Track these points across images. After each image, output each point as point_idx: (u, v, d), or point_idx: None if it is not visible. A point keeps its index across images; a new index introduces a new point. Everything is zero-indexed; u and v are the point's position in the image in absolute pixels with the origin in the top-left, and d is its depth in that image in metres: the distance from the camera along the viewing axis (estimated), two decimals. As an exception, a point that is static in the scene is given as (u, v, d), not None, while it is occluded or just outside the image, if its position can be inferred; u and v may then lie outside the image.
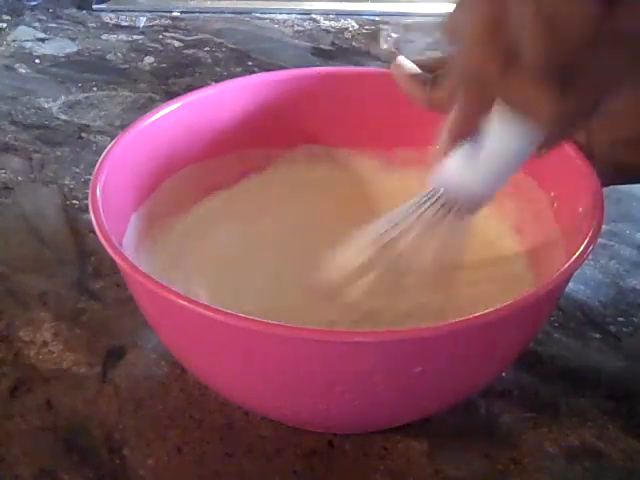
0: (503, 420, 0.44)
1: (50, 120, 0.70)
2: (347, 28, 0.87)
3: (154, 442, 0.43)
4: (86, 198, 0.41)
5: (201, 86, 0.52)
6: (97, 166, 0.43)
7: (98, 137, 0.67)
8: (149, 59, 0.81)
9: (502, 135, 0.36)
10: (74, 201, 0.60)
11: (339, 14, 0.89)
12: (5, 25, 0.87)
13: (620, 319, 0.50)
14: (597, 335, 0.49)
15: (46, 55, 0.81)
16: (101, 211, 0.40)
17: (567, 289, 0.46)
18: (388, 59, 0.80)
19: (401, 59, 0.47)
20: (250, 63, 0.80)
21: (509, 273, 0.47)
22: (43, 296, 0.52)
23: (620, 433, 0.43)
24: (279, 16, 0.90)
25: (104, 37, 0.85)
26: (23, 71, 0.78)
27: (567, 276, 0.38)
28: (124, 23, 0.88)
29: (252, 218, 0.51)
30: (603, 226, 0.40)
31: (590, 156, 0.44)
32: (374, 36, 0.86)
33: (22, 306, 0.51)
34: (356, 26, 0.87)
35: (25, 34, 0.85)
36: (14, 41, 0.84)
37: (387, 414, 0.41)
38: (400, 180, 0.53)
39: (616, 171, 0.46)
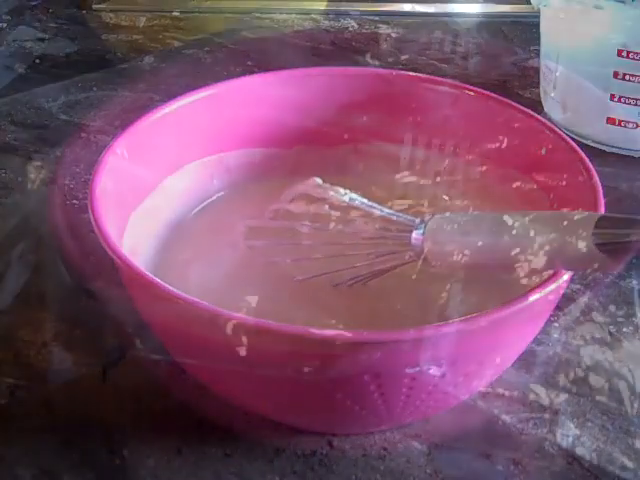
0: (503, 420, 0.44)
1: (50, 120, 0.70)
2: (347, 28, 0.87)
3: (154, 442, 0.43)
4: (86, 198, 0.41)
5: (201, 86, 0.52)
6: (97, 166, 0.43)
7: (98, 137, 0.67)
8: (149, 59, 0.81)
9: None
10: (74, 201, 0.60)
11: (339, 14, 0.89)
12: (5, 25, 0.87)
13: (620, 319, 0.50)
14: (597, 335, 0.49)
15: (46, 55, 0.81)
16: (101, 211, 0.40)
17: (567, 289, 0.46)
18: (388, 59, 0.80)
19: None
20: (250, 63, 0.80)
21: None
22: (43, 296, 0.52)
23: (620, 433, 0.43)
24: (279, 16, 0.90)
25: (104, 37, 0.85)
26: (23, 71, 0.78)
27: (567, 276, 0.38)
28: (124, 23, 0.88)
29: (252, 218, 0.51)
30: (603, 226, 0.39)
31: None
32: (374, 36, 0.85)
33: (22, 306, 0.51)
34: (356, 26, 0.87)
35: (25, 34, 0.85)
36: (14, 41, 0.84)
37: (387, 415, 0.41)
38: (401, 181, 0.53)
39: None
